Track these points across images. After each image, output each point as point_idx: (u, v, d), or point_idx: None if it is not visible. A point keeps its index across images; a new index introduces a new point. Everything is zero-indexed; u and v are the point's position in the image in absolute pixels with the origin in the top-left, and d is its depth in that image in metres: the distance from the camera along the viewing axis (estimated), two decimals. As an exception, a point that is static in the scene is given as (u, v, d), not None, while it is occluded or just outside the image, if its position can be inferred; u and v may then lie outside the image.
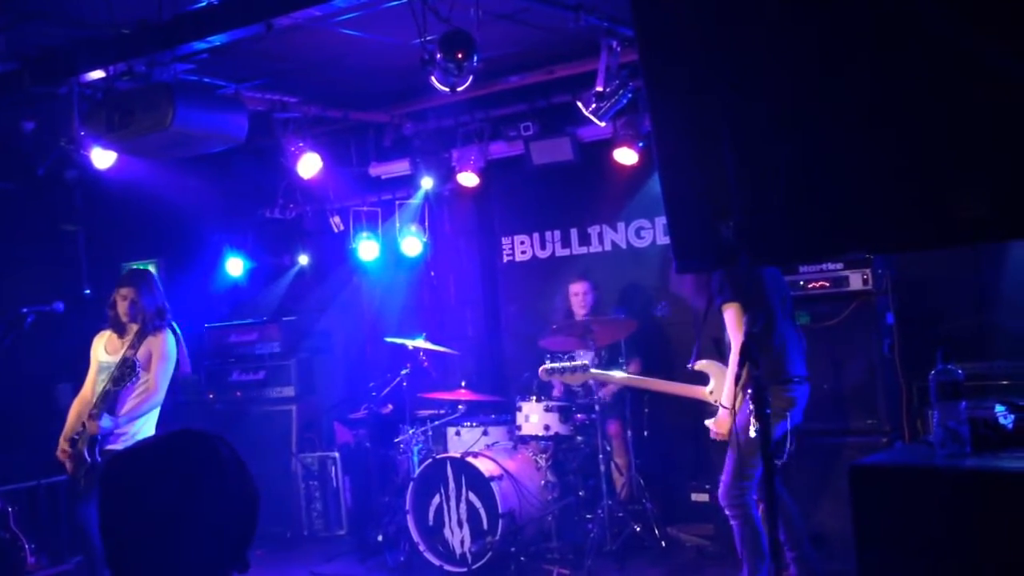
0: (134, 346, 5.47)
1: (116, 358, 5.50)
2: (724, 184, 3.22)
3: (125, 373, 5.27)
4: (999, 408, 3.13)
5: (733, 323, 4.97)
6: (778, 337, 4.98)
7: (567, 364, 5.80)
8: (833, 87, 2.92)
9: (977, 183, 2.79)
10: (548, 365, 5.91)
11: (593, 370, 5.78)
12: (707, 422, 5.18)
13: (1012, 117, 2.72)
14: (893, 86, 2.83)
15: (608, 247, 7.95)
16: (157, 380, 5.47)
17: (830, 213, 3.05)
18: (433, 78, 5.00)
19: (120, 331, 5.61)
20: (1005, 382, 5.21)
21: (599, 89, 5.96)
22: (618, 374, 6.01)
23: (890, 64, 2.82)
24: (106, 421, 5.28)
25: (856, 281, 5.73)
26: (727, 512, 5.02)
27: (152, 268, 9.04)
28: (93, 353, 5.71)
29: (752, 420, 4.83)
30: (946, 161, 2.84)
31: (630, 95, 6.06)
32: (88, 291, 8.97)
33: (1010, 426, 3.07)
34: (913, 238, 3.12)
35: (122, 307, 5.55)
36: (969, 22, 2.73)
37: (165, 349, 5.52)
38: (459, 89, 5.06)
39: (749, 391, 4.91)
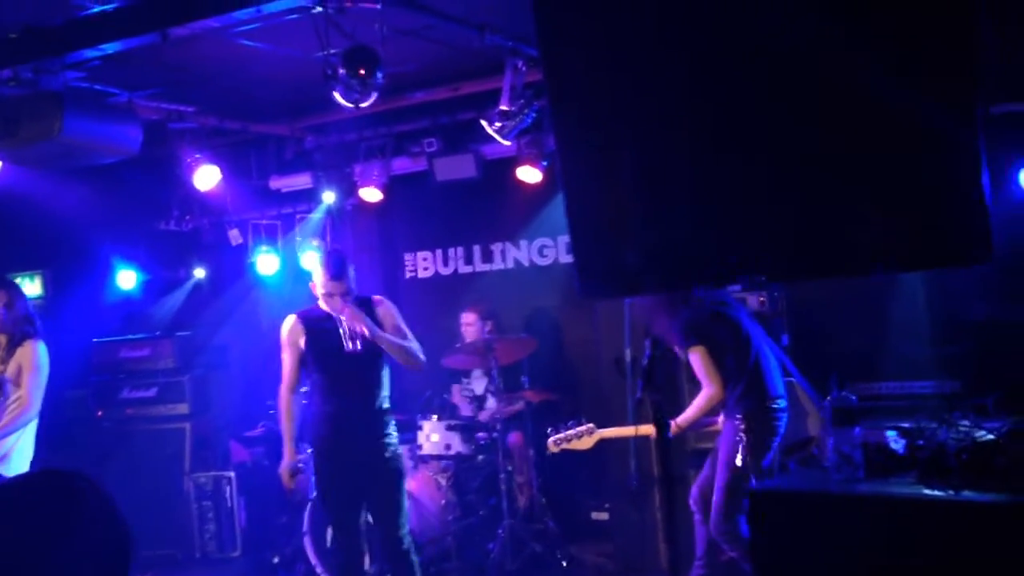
0: (4, 361, 5.22)
1: None
2: (628, 209, 3.24)
3: None
4: (890, 433, 3.21)
5: (701, 367, 5.04)
6: (758, 366, 5.08)
7: (572, 432, 5.57)
8: (732, 120, 2.97)
9: (865, 217, 2.87)
10: (555, 437, 5.65)
11: (601, 430, 5.56)
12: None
13: (899, 153, 2.80)
14: (789, 120, 2.90)
15: (511, 264, 7.95)
16: (30, 393, 5.21)
17: (731, 239, 3.10)
18: (336, 94, 4.92)
19: None
20: (893, 402, 5.38)
21: (503, 108, 5.96)
22: (627, 430, 5.77)
23: (786, 98, 2.88)
24: None
25: (753, 303, 5.85)
26: (724, 547, 5.01)
27: (38, 279, 8.70)
28: None
29: (740, 449, 4.87)
30: (838, 195, 2.92)
31: (534, 114, 6.07)
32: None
33: (901, 451, 3.15)
34: (808, 267, 3.20)
35: None
36: (860, 57, 2.81)
37: (36, 360, 5.27)
38: (362, 105, 4.99)
39: (738, 420, 4.97)
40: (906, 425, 3.30)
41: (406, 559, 5.09)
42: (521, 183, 7.14)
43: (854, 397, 3.14)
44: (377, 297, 5.30)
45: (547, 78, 3.32)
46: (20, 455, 5.28)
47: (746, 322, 5.22)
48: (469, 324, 7.15)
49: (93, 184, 7.69)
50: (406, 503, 5.13)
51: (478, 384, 7.16)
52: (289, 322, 5.16)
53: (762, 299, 5.83)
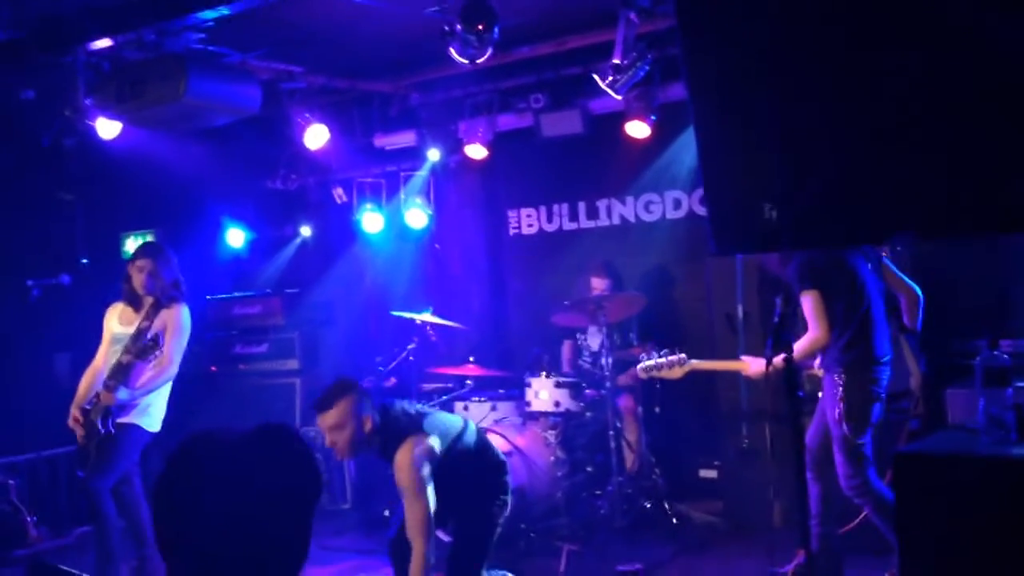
0: (149, 318, 5.42)
1: (130, 329, 5.47)
2: (768, 166, 3.15)
3: (148, 347, 5.23)
4: (1043, 394, 3.10)
5: (811, 311, 4.88)
6: (869, 318, 4.92)
7: (663, 360, 5.51)
8: (882, 74, 2.85)
9: (1016, 174, 2.75)
10: (645, 363, 5.62)
11: (694, 361, 5.50)
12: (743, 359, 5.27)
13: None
14: (942, 78, 2.77)
15: (616, 221, 7.88)
16: (171, 353, 5.43)
17: (874, 199, 3.00)
18: (452, 50, 4.90)
19: (135, 304, 5.56)
20: (1019, 361, 5.18)
21: (616, 62, 5.84)
22: (721, 364, 5.79)
23: (939, 57, 2.76)
24: (123, 393, 5.25)
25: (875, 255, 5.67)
26: (857, 502, 4.90)
27: (151, 237, 8.93)
28: (106, 324, 5.66)
29: (840, 404, 4.78)
30: (989, 151, 2.80)
31: (647, 67, 5.95)
32: (85, 261, 8.87)
33: (1054, 413, 3.03)
34: (956, 224, 3.08)
35: (138, 279, 5.49)
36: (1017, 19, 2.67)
37: (179, 322, 5.48)
38: (478, 62, 4.96)
39: (837, 374, 4.86)
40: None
41: None
42: (628, 138, 7.04)
43: (1007, 356, 3.03)
44: (403, 447, 4.47)
45: (680, 22, 3.23)
46: (157, 409, 5.53)
47: (863, 272, 5.05)
48: (598, 289, 6.99)
49: (203, 144, 7.83)
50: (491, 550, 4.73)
51: (594, 340, 7.12)
52: None
53: (885, 252, 5.64)
